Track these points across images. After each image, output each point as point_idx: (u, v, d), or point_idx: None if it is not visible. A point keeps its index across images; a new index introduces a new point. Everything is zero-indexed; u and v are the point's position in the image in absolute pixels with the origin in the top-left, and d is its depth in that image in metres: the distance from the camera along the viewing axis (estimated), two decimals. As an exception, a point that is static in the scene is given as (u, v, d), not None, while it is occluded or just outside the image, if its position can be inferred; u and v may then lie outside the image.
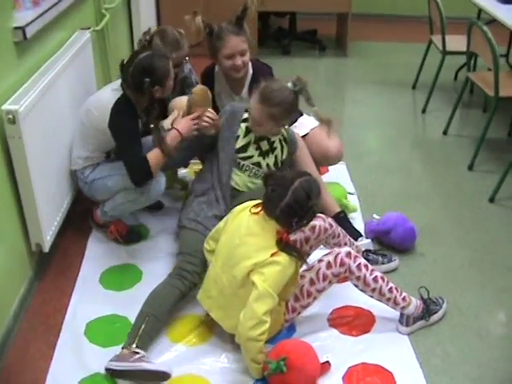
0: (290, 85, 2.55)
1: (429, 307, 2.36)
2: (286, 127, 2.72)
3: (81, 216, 2.90)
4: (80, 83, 2.99)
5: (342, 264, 2.21)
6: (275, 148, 2.69)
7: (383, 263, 2.67)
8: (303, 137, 3.06)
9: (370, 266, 2.26)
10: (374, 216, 2.96)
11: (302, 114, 3.20)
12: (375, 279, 2.24)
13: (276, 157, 2.70)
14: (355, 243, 2.61)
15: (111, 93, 2.60)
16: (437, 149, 3.82)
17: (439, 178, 3.48)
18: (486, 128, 3.44)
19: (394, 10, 6.28)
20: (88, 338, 2.30)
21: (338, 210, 2.87)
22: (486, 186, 3.31)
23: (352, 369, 2.18)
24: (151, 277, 2.56)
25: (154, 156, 2.52)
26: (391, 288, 2.27)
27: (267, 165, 2.67)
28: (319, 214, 2.40)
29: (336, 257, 2.22)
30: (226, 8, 4.65)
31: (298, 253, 2.11)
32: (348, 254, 2.22)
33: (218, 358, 2.23)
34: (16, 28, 2.31)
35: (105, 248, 2.81)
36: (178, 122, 2.62)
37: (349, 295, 2.43)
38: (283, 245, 2.06)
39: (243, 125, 2.63)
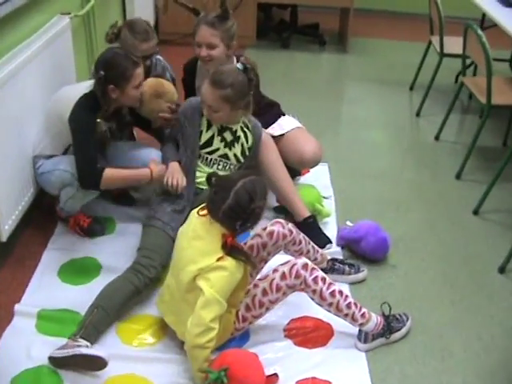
0: (239, 65, 2.52)
1: (390, 324, 2.26)
2: (247, 115, 2.66)
3: (49, 207, 2.82)
4: (55, 71, 2.90)
5: (298, 276, 2.11)
6: (239, 137, 2.65)
7: (350, 274, 2.57)
8: (279, 137, 2.97)
9: (327, 279, 2.16)
10: (348, 223, 2.86)
11: (281, 115, 3.11)
12: (332, 294, 2.14)
13: (242, 145, 2.66)
14: (320, 251, 2.51)
15: (86, 88, 2.54)
16: (426, 155, 3.70)
17: (424, 186, 3.36)
18: (477, 136, 3.32)
19: (398, 7, 6.11)
20: (38, 329, 2.25)
21: (307, 214, 2.79)
22: (472, 197, 3.18)
23: (300, 383, 2.08)
24: (110, 272, 2.48)
25: (112, 174, 2.49)
26: (349, 303, 2.17)
27: (235, 155, 2.64)
28: (279, 220, 2.33)
29: (292, 268, 2.12)
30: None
31: (245, 257, 2.03)
32: (304, 266, 2.13)
33: (166, 361, 2.16)
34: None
35: (68, 240, 2.74)
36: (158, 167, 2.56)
37: (309, 305, 2.29)
38: (228, 249, 1.98)
39: (204, 118, 2.58)
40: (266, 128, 2.99)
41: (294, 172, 3.27)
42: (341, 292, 2.16)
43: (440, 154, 3.70)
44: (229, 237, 1.99)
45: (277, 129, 3.02)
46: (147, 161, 2.62)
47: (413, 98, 4.43)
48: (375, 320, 2.21)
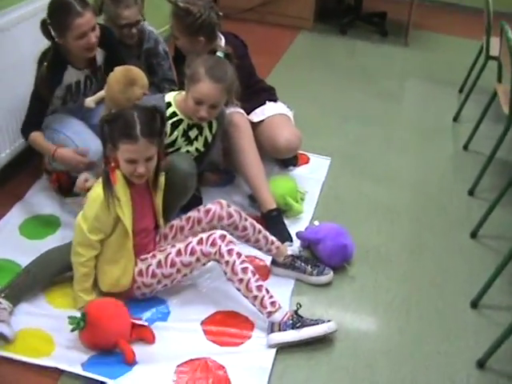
0: (219, 53, 2.49)
1: (301, 317, 2.12)
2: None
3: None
4: None
5: (213, 244, 2.12)
6: (202, 128, 2.54)
7: (311, 274, 2.42)
8: (258, 123, 2.82)
9: (243, 256, 2.12)
10: (315, 223, 2.67)
11: (268, 101, 2.96)
12: (244, 270, 2.10)
13: (205, 137, 2.56)
14: (277, 244, 2.40)
15: None
16: (447, 164, 3.39)
17: (427, 198, 3.07)
18: (495, 150, 2.99)
19: (469, 1, 5.61)
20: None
21: (271, 207, 2.65)
22: (477, 217, 2.84)
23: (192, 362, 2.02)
24: (66, 232, 2.51)
25: (34, 139, 2.55)
26: (260, 286, 2.11)
27: (196, 149, 2.56)
28: (220, 200, 2.31)
29: (210, 236, 2.14)
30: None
31: (110, 190, 2.06)
32: (222, 237, 2.14)
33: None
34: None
35: (43, 196, 2.79)
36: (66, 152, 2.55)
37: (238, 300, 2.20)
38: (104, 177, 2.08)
39: (169, 123, 2.44)
40: (249, 113, 2.85)
41: (288, 162, 3.12)
42: (253, 272, 2.12)
43: (463, 165, 3.37)
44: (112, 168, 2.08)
45: (258, 114, 2.92)
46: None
47: (459, 100, 4.04)
48: (284, 311, 2.11)
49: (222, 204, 2.28)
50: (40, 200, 2.76)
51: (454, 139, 3.65)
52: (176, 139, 2.48)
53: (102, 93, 2.55)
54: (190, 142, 2.52)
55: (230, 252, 2.11)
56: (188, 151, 2.53)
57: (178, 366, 2.00)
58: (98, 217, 2.08)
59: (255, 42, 4.70)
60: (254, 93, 2.94)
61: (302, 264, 2.41)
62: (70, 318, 2.02)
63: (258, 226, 2.35)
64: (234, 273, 2.10)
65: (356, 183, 3.11)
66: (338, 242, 2.47)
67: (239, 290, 2.13)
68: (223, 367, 2.00)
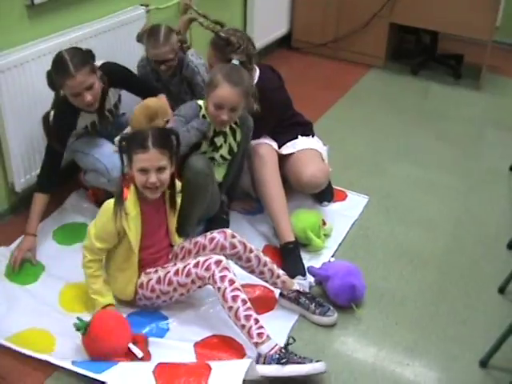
0: (235, 61, 2.63)
1: (289, 353, 2.13)
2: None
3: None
4: (121, 51, 3.24)
5: (208, 269, 2.20)
6: (226, 136, 2.68)
7: (314, 313, 2.43)
8: (287, 156, 2.91)
9: (236, 284, 2.18)
10: (331, 259, 2.69)
11: (302, 136, 3.05)
12: (234, 298, 2.16)
13: (230, 144, 2.70)
14: (283, 278, 2.45)
15: None
16: (492, 217, 3.24)
17: (461, 249, 2.97)
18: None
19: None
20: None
21: (288, 239, 2.71)
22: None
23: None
24: None
25: (33, 199, 2.67)
26: (249, 316, 2.15)
27: (221, 156, 2.71)
28: (225, 230, 2.40)
29: (206, 260, 2.23)
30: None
31: (120, 204, 2.21)
32: (217, 262, 2.21)
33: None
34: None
35: (80, 205, 3.03)
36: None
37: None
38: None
39: None
40: (281, 146, 2.94)
41: (324, 197, 3.16)
42: (244, 301, 2.16)
43: (509, 217, 3.23)
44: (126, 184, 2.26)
45: (289, 147, 2.99)
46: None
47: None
48: (272, 344, 2.13)
49: (227, 234, 2.37)
50: (76, 209, 3.00)
51: (506, 190, 3.52)
52: (202, 142, 2.61)
53: (128, 129, 2.71)
54: (215, 148, 2.66)
55: (222, 278, 2.18)
56: (213, 158, 2.66)
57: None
58: (104, 227, 2.25)
59: (324, 77, 4.86)
60: (289, 126, 3.02)
61: (307, 301, 2.43)
62: (78, 319, 2.17)
63: (264, 259, 2.40)
64: (224, 299, 2.17)
65: (389, 225, 3.09)
66: (347, 281, 2.48)
67: (229, 316, 2.19)
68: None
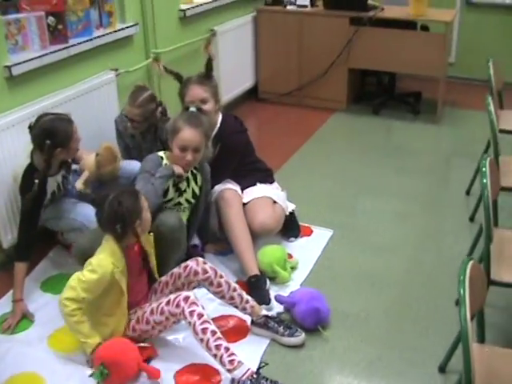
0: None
1: (260, 377, 2.37)
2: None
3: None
4: (96, 114, 3.60)
5: (178, 305, 2.45)
6: (189, 181, 2.99)
7: (283, 335, 2.69)
8: (245, 203, 3.26)
9: (205, 317, 2.41)
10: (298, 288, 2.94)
11: (259, 183, 3.40)
12: (204, 331, 2.39)
13: (192, 188, 3.01)
14: (251, 303, 2.70)
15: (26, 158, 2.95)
16: (448, 237, 3.55)
17: (420, 269, 3.27)
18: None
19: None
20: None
21: (252, 273, 2.98)
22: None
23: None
24: None
25: (15, 268, 2.87)
26: (219, 345, 2.38)
27: (186, 200, 3.01)
28: (197, 258, 2.68)
29: (176, 297, 2.47)
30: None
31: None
32: (186, 299, 2.45)
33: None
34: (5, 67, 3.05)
35: (64, 259, 3.28)
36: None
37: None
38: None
39: None
40: (242, 190, 3.30)
41: (290, 233, 3.45)
42: (214, 332, 2.39)
43: (464, 236, 3.52)
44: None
45: (247, 194, 3.31)
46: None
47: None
48: (244, 369, 2.36)
49: (199, 261, 2.66)
50: (60, 262, 3.27)
51: (463, 212, 3.83)
52: (168, 189, 2.91)
53: (85, 174, 3.05)
54: (180, 193, 2.97)
55: (191, 313, 2.41)
56: (179, 202, 2.97)
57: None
58: (99, 282, 2.43)
59: (290, 124, 5.23)
60: (249, 171, 3.37)
61: (275, 325, 2.69)
62: (92, 374, 2.40)
63: (234, 285, 2.68)
64: (195, 332, 2.41)
65: (352, 254, 3.38)
66: (311, 305, 2.75)
67: (202, 347, 2.43)
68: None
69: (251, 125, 5.23)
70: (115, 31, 3.90)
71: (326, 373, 2.58)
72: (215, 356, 2.38)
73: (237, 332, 2.74)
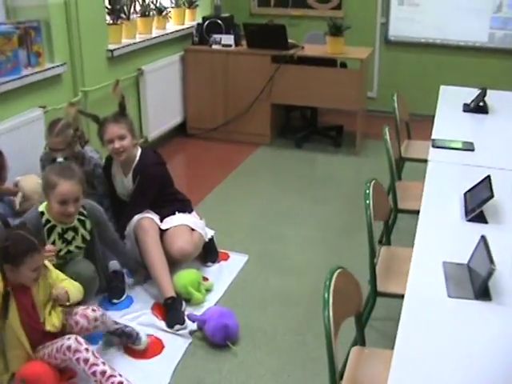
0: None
1: None
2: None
3: None
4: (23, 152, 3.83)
5: (64, 354, 2.61)
6: (77, 229, 3.15)
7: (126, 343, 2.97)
8: (165, 231, 3.56)
9: (91, 360, 2.58)
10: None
11: (179, 212, 3.69)
12: (94, 374, 2.59)
13: (82, 235, 3.17)
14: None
15: None
16: (352, 259, 3.88)
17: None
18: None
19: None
20: None
21: (169, 295, 3.24)
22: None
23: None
24: None
25: None
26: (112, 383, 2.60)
27: (76, 247, 3.17)
28: (87, 314, 2.81)
29: (61, 346, 2.62)
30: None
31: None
32: (68, 348, 2.60)
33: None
34: None
35: None
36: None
37: None
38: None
39: (44, 229, 3.04)
40: (162, 219, 3.57)
41: (209, 259, 3.76)
42: (103, 372, 2.58)
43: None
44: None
45: (167, 222, 3.61)
46: None
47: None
48: None
49: (89, 318, 2.80)
50: None
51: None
52: (54, 242, 3.07)
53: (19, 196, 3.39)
54: (68, 242, 3.12)
55: (78, 361, 2.58)
56: (70, 251, 3.13)
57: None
58: None
59: (216, 158, 5.57)
60: (169, 201, 3.68)
61: (118, 338, 2.96)
62: None
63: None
64: (89, 376, 2.59)
65: (264, 276, 3.69)
66: (220, 322, 3.04)
67: None
68: None
69: (179, 159, 5.60)
70: (43, 70, 4.20)
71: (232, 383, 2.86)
72: None
73: (151, 349, 3.00)
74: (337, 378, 2.00)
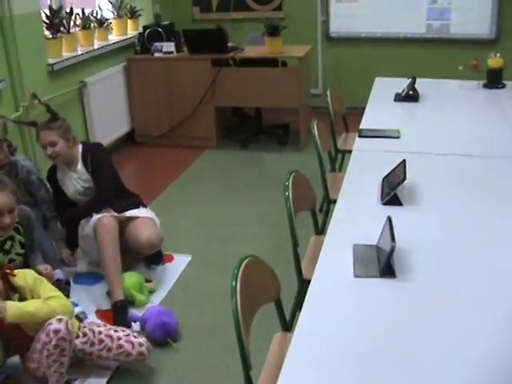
0: None
1: None
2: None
3: None
4: None
5: (47, 335, 2.62)
6: (12, 237, 3.15)
7: None
8: (129, 221, 3.70)
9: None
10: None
11: (141, 206, 3.84)
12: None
13: (19, 241, 3.18)
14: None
15: None
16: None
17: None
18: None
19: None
20: None
21: (119, 298, 3.35)
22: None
23: None
24: None
25: None
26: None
27: (16, 254, 3.17)
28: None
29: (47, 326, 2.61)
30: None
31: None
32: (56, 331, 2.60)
33: None
34: None
35: None
36: None
37: None
38: None
39: None
40: (123, 212, 3.69)
41: (154, 261, 3.85)
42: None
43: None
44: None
45: (132, 213, 3.73)
46: None
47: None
48: None
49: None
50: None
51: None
52: None
53: None
54: (7, 252, 3.11)
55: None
56: (12, 259, 3.14)
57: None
58: None
59: (164, 164, 5.67)
60: (123, 195, 3.83)
61: None
62: None
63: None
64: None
65: (206, 275, 3.79)
66: (160, 319, 3.13)
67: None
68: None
69: (128, 167, 5.69)
70: (-19, 88, 4.25)
71: (175, 377, 2.95)
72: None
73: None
74: (248, 364, 2.06)
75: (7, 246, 3.14)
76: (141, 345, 2.90)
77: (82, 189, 3.76)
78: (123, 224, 3.68)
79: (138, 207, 3.84)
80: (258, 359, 2.18)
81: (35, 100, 3.99)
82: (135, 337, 2.93)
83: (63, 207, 3.82)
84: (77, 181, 3.76)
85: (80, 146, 3.75)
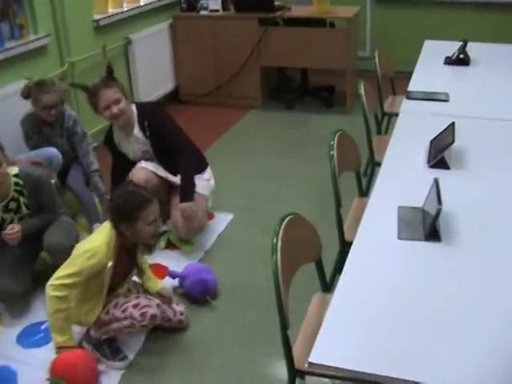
0: None
1: None
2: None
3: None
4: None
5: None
6: (16, 199, 3.10)
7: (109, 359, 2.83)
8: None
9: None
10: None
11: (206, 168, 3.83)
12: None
13: (24, 203, 3.13)
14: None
15: None
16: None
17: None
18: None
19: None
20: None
21: None
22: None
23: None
24: None
25: None
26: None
27: (20, 215, 3.14)
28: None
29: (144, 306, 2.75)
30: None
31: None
32: (153, 317, 2.75)
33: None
34: None
35: None
36: None
37: None
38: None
39: None
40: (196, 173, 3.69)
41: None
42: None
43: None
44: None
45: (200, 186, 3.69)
46: None
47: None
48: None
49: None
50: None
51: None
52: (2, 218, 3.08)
53: None
54: (15, 212, 3.10)
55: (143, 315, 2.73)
56: (22, 218, 3.11)
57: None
58: (93, 268, 2.60)
59: (209, 123, 5.64)
60: (189, 145, 3.75)
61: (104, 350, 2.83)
62: (49, 380, 2.54)
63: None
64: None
65: (247, 234, 3.79)
66: (199, 277, 3.15)
67: None
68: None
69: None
70: (27, 43, 4.27)
71: (212, 334, 2.97)
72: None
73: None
74: (286, 323, 2.04)
75: (13, 206, 3.09)
76: (182, 314, 2.96)
77: (140, 153, 3.70)
78: (174, 190, 3.66)
79: (200, 172, 3.76)
80: (295, 320, 2.16)
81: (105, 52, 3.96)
82: (177, 304, 2.98)
83: (124, 170, 3.69)
84: (134, 146, 3.69)
85: (134, 108, 3.65)
